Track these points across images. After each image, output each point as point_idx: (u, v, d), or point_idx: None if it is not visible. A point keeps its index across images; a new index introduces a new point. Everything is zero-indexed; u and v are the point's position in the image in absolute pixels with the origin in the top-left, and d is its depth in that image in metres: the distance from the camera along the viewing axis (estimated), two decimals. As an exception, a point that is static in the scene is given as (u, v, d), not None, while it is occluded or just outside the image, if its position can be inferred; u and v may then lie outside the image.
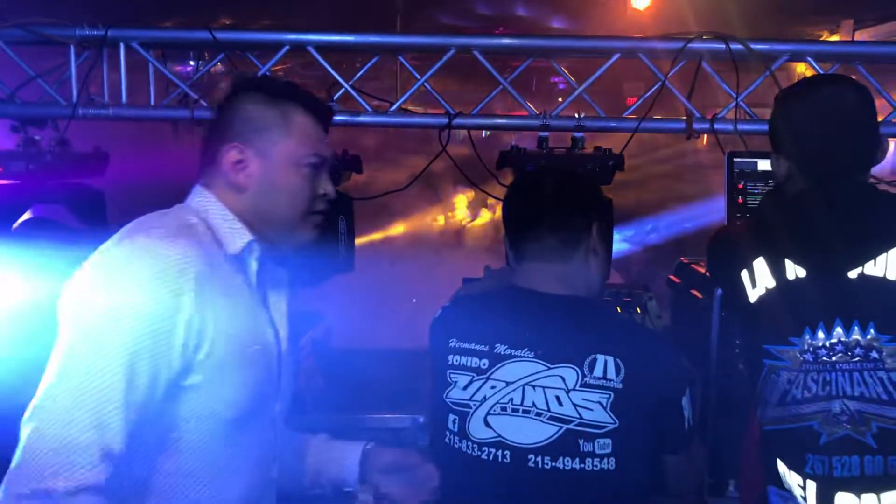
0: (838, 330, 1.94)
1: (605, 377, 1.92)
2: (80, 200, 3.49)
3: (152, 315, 1.53)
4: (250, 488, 1.78)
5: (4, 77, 3.31)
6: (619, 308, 3.02)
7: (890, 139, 3.17)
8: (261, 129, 1.74)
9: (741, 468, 2.36)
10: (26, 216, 3.42)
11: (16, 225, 3.38)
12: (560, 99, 3.47)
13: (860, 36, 5.08)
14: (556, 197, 2.09)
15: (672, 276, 3.16)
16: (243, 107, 1.77)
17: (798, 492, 2.01)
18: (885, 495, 1.92)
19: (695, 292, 2.95)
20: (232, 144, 1.74)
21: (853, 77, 3.32)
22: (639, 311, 3.04)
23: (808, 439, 1.98)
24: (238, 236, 1.74)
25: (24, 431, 1.49)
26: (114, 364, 1.50)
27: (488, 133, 4.71)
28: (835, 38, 5.23)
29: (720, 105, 3.39)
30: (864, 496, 1.93)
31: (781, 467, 2.06)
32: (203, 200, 1.77)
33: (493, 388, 1.98)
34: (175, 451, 1.65)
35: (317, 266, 3.43)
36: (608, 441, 1.91)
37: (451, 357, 2.05)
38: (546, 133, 3.40)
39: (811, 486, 1.99)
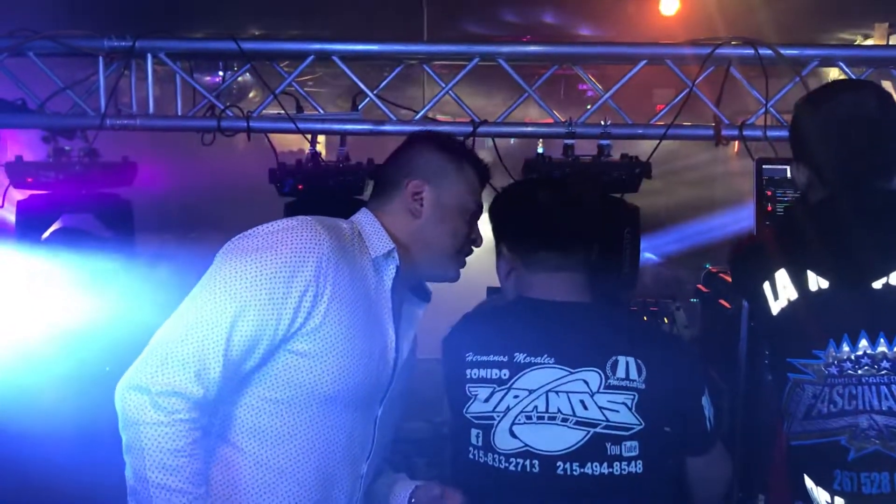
0: (863, 342, 1.90)
1: (627, 378, 1.92)
2: (108, 210, 3.52)
3: (272, 276, 1.76)
4: (332, 474, 1.88)
5: (35, 88, 3.36)
6: (645, 318, 2.98)
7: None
8: (441, 173, 2.03)
9: (770, 482, 2.31)
10: (56, 226, 3.47)
11: (46, 234, 3.43)
12: (589, 106, 3.44)
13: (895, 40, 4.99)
14: (574, 209, 2.12)
15: (700, 286, 3.12)
16: (427, 152, 2.07)
17: None
18: None
19: (723, 302, 2.91)
20: (414, 179, 2.02)
21: (888, 81, 3.29)
22: (666, 321, 3.00)
23: (836, 455, 1.93)
24: (382, 243, 1.95)
25: (152, 339, 1.76)
26: (226, 308, 1.73)
27: (515, 140, 4.70)
28: (869, 42, 5.14)
29: (750, 112, 3.34)
30: None
31: (809, 483, 2.01)
32: (362, 216, 2.02)
33: (515, 397, 1.96)
34: (264, 411, 1.82)
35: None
36: (635, 444, 1.91)
37: (468, 371, 2.03)
38: (572, 141, 3.39)
39: (839, 502, 1.94)
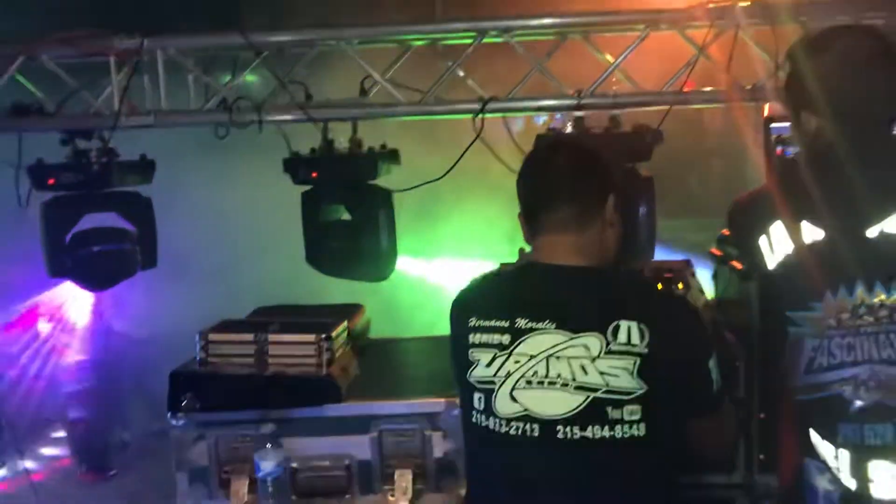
0: (860, 292, 1.86)
1: (629, 342, 1.90)
2: (130, 207, 3.59)
3: None
4: None
5: (51, 92, 3.43)
6: (660, 284, 2.95)
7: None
8: None
9: (780, 440, 2.28)
10: (81, 225, 3.55)
11: (70, 235, 3.51)
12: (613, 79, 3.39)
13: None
14: (570, 168, 2.09)
15: (713, 250, 3.08)
16: None
17: (832, 462, 1.94)
18: None
19: (734, 263, 2.87)
20: None
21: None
22: (681, 286, 2.97)
23: (839, 407, 1.90)
24: None
25: None
26: None
27: (547, 120, 4.67)
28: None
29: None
30: None
31: (814, 437, 1.98)
32: None
33: (516, 362, 1.97)
34: None
35: (360, 259, 3.49)
36: (637, 407, 1.89)
37: (471, 336, 2.05)
38: (581, 113, 3.37)
39: (844, 455, 1.91)
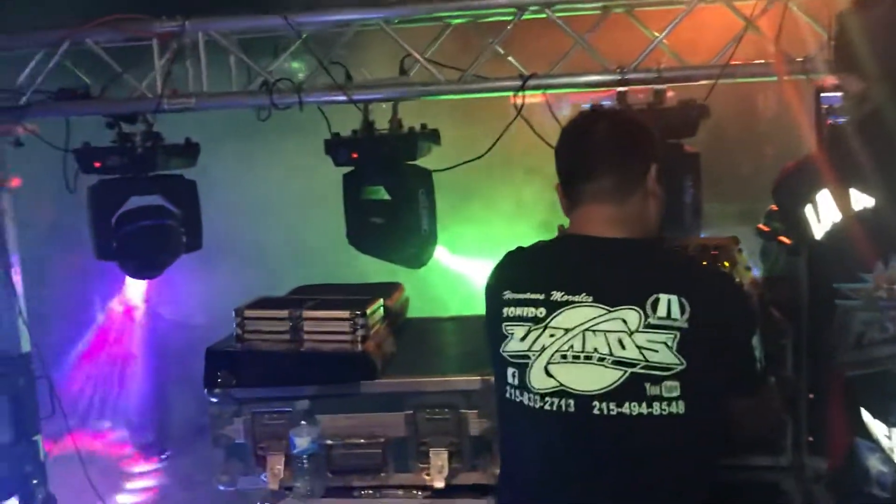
0: None
1: (669, 317, 1.84)
2: (174, 190, 3.62)
3: None
4: None
5: (96, 76, 3.47)
6: (705, 262, 2.87)
7: None
8: None
9: (827, 420, 2.19)
10: (126, 208, 3.58)
11: (116, 217, 3.55)
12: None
13: None
14: (611, 136, 2.03)
15: (760, 226, 2.98)
16: None
17: (885, 442, 1.85)
18: None
19: (782, 239, 2.77)
20: None
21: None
22: (727, 264, 2.88)
23: (892, 384, 1.82)
24: None
25: None
26: None
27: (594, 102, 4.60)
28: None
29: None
30: None
31: (866, 416, 1.90)
32: None
33: (551, 336, 1.93)
34: None
35: (400, 238, 3.47)
36: (676, 384, 1.83)
37: (505, 310, 2.01)
38: (625, 88, 3.30)
39: None
